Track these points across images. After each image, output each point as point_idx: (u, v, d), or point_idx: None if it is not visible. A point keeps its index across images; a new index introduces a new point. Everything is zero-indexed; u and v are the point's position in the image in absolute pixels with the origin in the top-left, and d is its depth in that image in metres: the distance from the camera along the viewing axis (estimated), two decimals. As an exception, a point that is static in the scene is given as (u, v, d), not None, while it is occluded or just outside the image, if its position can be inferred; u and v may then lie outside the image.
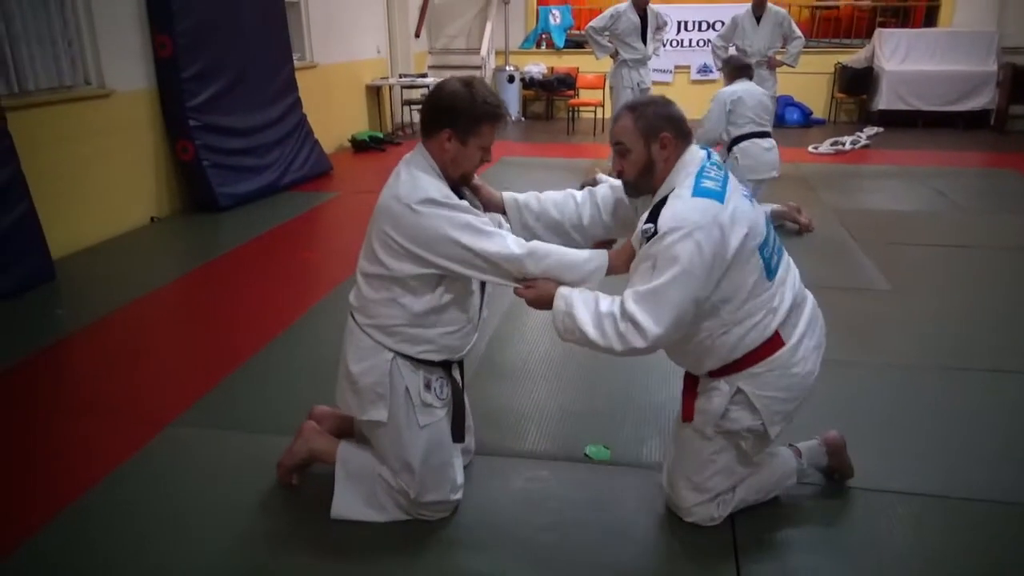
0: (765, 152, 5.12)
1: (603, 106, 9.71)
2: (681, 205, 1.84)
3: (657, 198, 1.93)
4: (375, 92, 9.59)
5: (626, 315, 1.81)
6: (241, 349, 3.34)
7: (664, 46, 8.17)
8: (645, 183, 1.98)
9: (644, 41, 6.75)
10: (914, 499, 2.28)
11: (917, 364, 3.20)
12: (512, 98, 10.88)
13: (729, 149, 5.23)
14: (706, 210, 1.81)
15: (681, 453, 2.13)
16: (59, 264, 4.34)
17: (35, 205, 4.19)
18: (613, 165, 2.03)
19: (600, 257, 1.98)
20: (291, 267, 4.63)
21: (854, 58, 10.12)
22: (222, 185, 5.74)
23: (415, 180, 1.92)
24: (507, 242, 1.91)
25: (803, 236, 5.01)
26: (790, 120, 9.96)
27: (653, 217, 1.86)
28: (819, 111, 10.36)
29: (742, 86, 5.12)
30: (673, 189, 1.90)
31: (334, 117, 8.34)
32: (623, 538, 2.13)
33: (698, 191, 1.85)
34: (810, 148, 8.24)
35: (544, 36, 11.45)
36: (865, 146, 8.41)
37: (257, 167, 6.19)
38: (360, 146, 8.47)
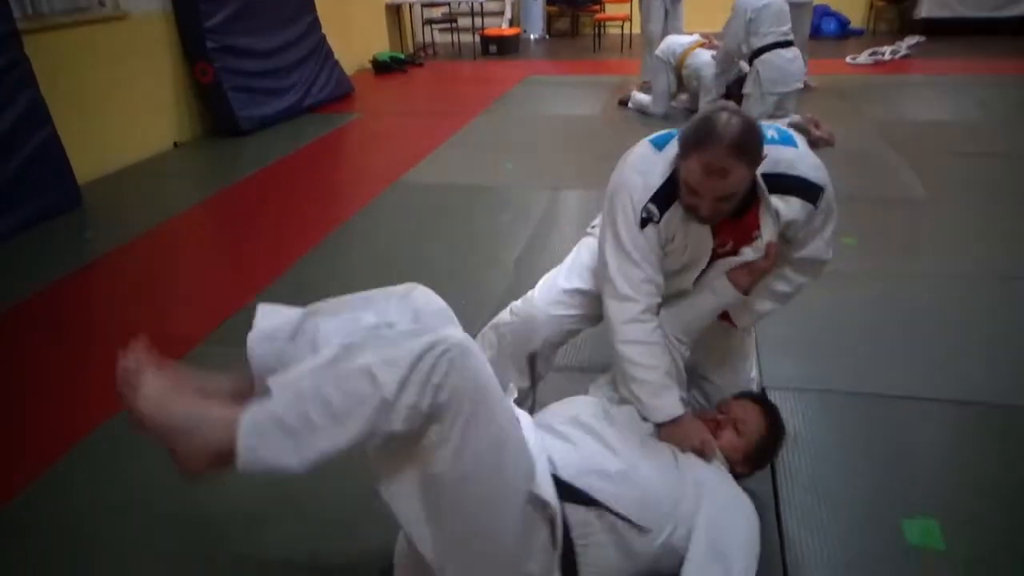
0: (789, 63, 4.89)
1: (630, 20, 9.36)
2: (807, 159, 1.69)
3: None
4: (395, 12, 9.35)
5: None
6: (267, 270, 3.35)
7: (694, -47, 7.80)
8: None
9: (673, -52, 6.43)
10: (945, 405, 2.25)
11: (950, 272, 3.12)
12: (536, 15, 10.55)
13: (750, 62, 5.00)
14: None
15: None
16: (85, 189, 4.35)
17: (58, 131, 4.17)
18: (702, 208, 1.61)
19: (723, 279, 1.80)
20: (316, 188, 4.59)
21: (896, -38, 9.61)
22: (243, 108, 5.67)
23: None
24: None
25: (833, 148, 4.55)
26: (826, 31, 9.50)
27: (801, 190, 1.68)
28: (857, 21, 9.88)
29: None
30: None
31: (354, 38, 8.15)
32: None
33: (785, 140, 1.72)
34: (848, 59, 7.90)
35: (569, -52, 11.01)
36: (906, 56, 8.04)
37: (278, 89, 6.10)
38: (381, 67, 8.30)
